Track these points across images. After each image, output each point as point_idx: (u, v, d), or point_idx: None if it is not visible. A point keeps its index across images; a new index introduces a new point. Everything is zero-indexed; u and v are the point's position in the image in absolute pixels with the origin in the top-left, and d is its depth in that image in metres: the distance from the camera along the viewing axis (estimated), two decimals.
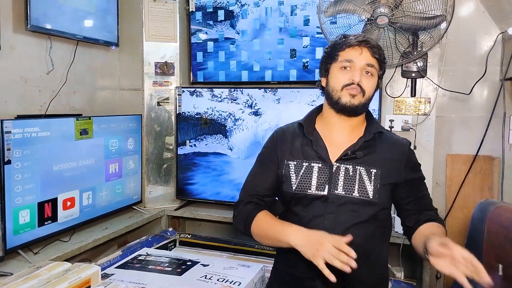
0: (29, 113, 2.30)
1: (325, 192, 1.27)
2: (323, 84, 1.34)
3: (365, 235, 1.25)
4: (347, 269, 1.04)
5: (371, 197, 1.26)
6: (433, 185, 2.57)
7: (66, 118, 2.33)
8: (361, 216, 1.25)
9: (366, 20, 2.30)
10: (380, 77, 1.32)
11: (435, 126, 2.52)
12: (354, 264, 1.04)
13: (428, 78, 2.48)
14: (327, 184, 1.27)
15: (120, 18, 2.87)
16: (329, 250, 1.07)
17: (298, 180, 1.30)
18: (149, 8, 2.94)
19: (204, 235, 2.83)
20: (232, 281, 1.82)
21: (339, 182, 1.26)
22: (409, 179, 1.32)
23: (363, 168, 1.27)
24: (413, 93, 2.52)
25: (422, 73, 2.47)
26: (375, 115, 2.53)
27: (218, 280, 1.83)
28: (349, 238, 1.08)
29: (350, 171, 1.27)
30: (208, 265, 2.00)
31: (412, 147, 2.51)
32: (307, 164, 1.30)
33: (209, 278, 1.84)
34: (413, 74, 2.49)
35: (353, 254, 1.05)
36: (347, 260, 1.04)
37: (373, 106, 2.53)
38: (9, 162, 1.96)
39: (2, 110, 1.93)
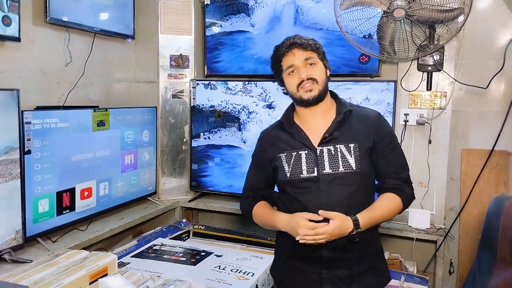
0: (48, 105, 2.35)
1: (315, 174, 1.43)
2: (285, 91, 1.54)
3: (357, 203, 1.42)
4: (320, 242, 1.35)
5: (354, 168, 1.43)
6: (448, 180, 2.55)
7: (84, 110, 2.37)
8: (351, 186, 1.42)
9: (382, 12, 2.28)
10: (323, 59, 1.49)
11: (451, 121, 2.50)
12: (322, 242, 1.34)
13: (445, 72, 2.45)
14: (315, 166, 1.44)
15: (136, 11, 2.90)
16: (302, 232, 1.34)
17: (290, 168, 1.47)
18: (164, 1, 2.96)
19: (217, 226, 2.86)
20: (246, 271, 1.85)
21: (325, 162, 1.43)
22: (378, 145, 1.46)
23: (343, 145, 1.45)
24: (429, 87, 2.49)
25: (438, 66, 2.44)
26: (390, 109, 2.52)
27: (231, 270, 1.86)
28: (319, 217, 1.35)
29: (332, 151, 1.44)
30: (222, 256, 2.03)
31: (427, 141, 2.51)
32: (295, 153, 1.48)
33: (223, 269, 1.87)
34: (429, 68, 2.46)
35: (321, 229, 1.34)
36: (317, 240, 1.34)
37: (388, 100, 2.53)
38: (29, 152, 2.01)
39: (22, 101, 1.97)
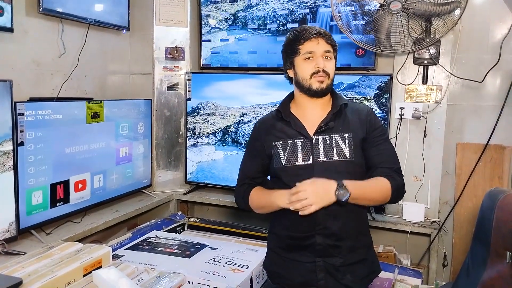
0: (42, 96, 2.32)
1: (311, 161, 1.48)
2: (291, 75, 1.56)
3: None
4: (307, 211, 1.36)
5: (348, 157, 1.48)
6: (443, 174, 2.55)
7: (78, 102, 2.35)
8: (344, 175, 1.44)
9: (379, 5, 2.27)
10: (335, 57, 1.54)
11: (446, 114, 2.50)
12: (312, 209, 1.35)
13: (441, 66, 2.45)
14: (311, 154, 1.48)
15: (131, 2, 2.87)
16: (289, 199, 1.37)
17: (286, 156, 1.51)
18: None
19: (213, 219, 2.86)
20: (240, 264, 1.85)
21: (320, 151, 1.48)
22: (369, 136, 1.52)
23: (337, 135, 1.49)
24: (424, 81, 2.49)
25: (434, 60, 2.44)
26: (386, 102, 2.52)
27: (226, 263, 1.86)
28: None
29: (327, 140, 1.49)
30: (217, 248, 2.03)
31: (422, 135, 2.51)
32: (291, 141, 1.51)
33: (218, 261, 1.87)
34: (425, 61, 2.46)
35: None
36: (301, 206, 1.35)
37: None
38: (22, 144, 1.99)
39: (15, 93, 1.95)
